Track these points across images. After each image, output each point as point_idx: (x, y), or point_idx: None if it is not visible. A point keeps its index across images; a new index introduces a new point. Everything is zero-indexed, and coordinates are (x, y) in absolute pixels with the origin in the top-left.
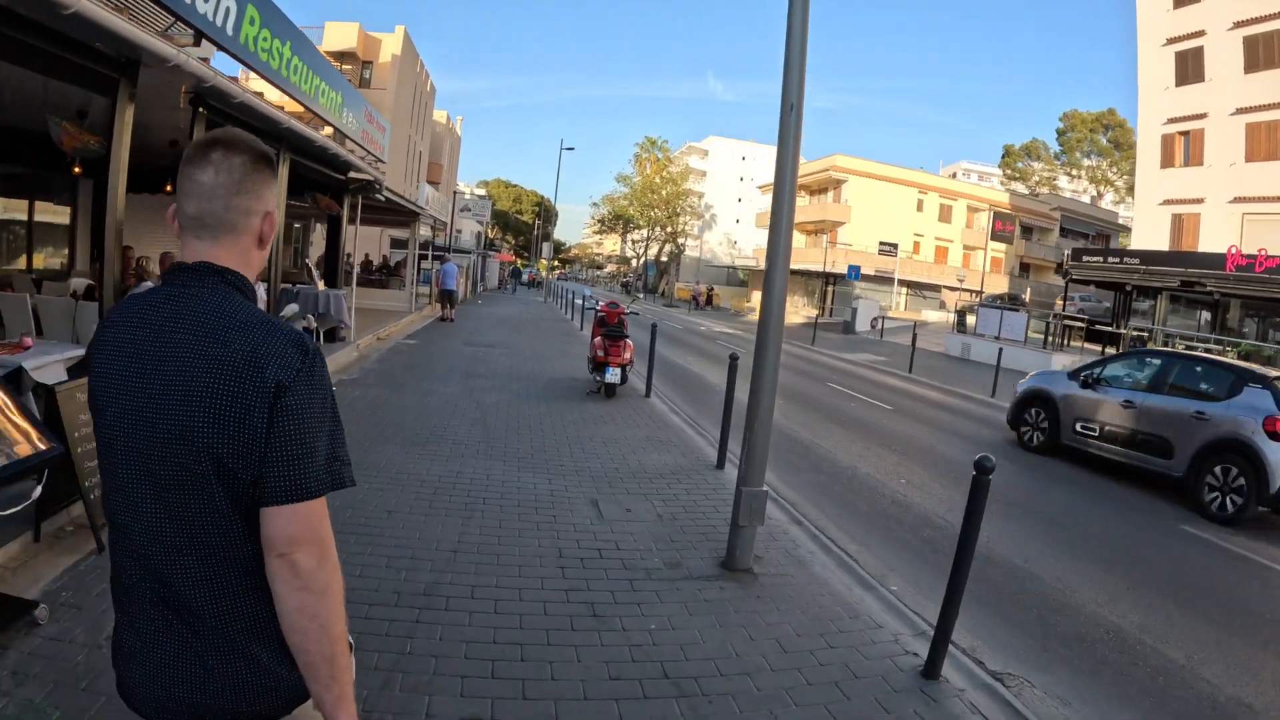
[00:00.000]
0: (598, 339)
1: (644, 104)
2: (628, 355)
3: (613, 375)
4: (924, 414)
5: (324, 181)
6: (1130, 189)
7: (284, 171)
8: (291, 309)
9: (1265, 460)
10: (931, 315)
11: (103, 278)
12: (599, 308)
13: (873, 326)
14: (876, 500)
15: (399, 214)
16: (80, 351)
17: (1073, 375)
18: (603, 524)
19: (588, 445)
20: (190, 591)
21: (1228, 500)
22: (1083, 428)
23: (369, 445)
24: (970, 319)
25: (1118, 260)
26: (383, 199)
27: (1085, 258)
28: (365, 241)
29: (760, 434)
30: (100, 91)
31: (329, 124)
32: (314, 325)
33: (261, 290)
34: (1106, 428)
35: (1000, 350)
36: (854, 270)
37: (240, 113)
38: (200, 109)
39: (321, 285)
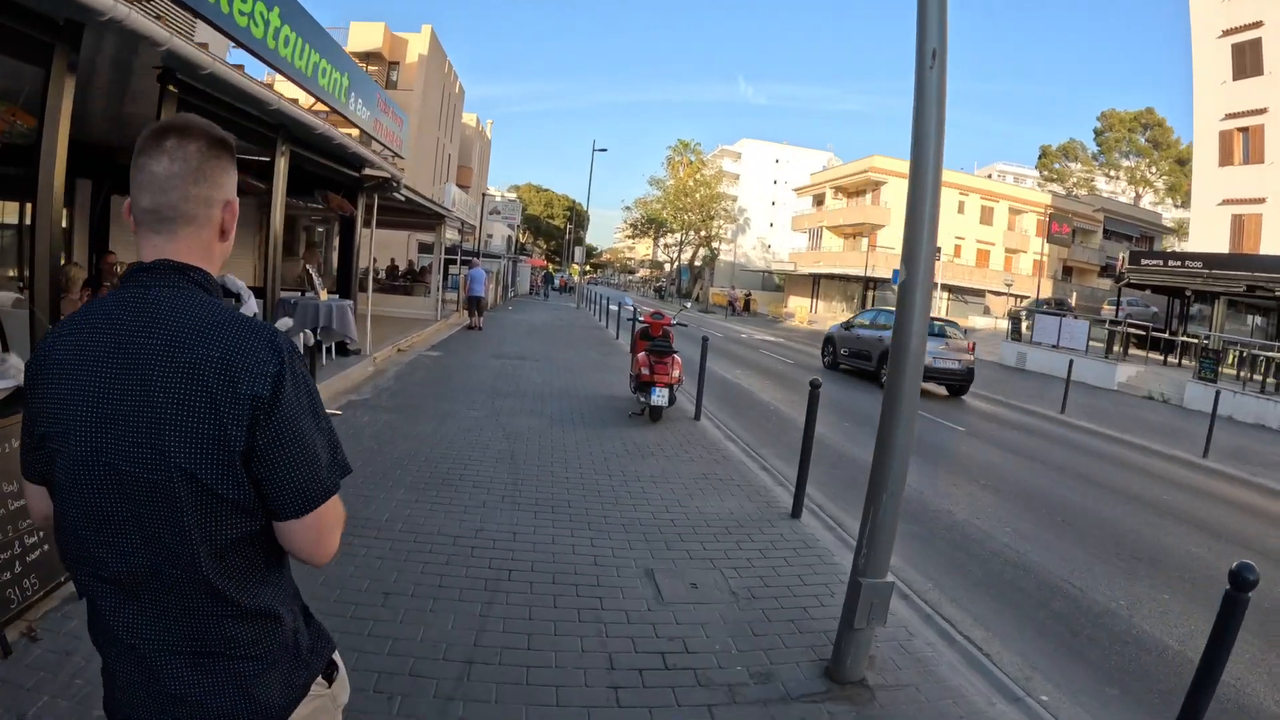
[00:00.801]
0: (641, 354)
1: (675, 108)
2: (676, 374)
3: (659, 397)
4: (1000, 436)
5: (335, 179)
6: (1170, 190)
7: (282, 165)
8: (284, 324)
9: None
10: (979, 321)
11: (33, 288)
12: (642, 318)
13: None
14: (987, 559)
15: (423, 216)
16: (11, 383)
17: (841, 324)
18: (663, 609)
19: (634, 486)
20: (166, 613)
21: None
22: (844, 351)
23: (371, 489)
24: (1023, 325)
25: (1179, 264)
26: (402, 199)
27: (1143, 261)
28: (393, 246)
29: (889, 509)
30: (33, 61)
31: (336, 112)
32: (310, 342)
33: (254, 303)
34: (850, 349)
35: (1071, 362)
36: (899, 275)
37: (212, 87)
38: (170, 86)
39: (324, 295)
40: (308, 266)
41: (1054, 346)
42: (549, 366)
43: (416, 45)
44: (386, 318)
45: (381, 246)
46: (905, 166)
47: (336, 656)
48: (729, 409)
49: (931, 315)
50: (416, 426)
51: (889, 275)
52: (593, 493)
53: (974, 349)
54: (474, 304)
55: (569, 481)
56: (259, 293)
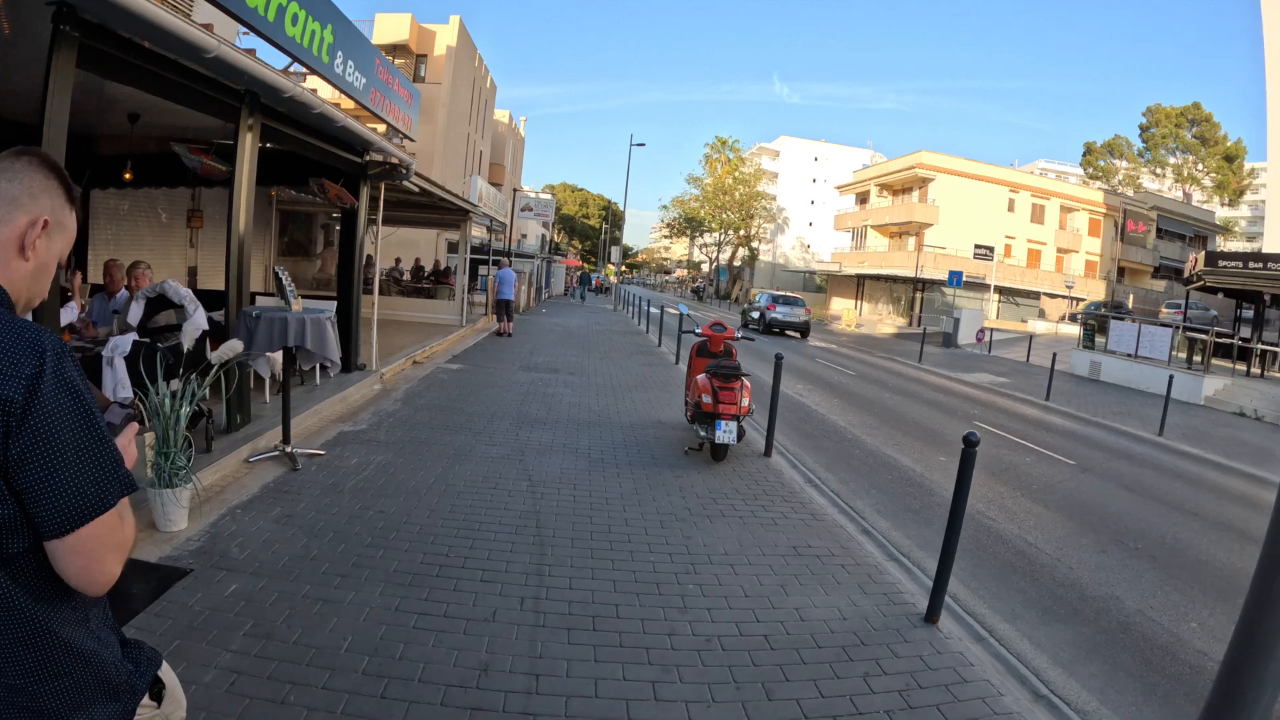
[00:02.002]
0: (701, 377)
1: (710, 108)
2: (746, 402)
3: (726, 433)
4: (1109, 469)
5: (333, 164)
6: (1218, 187)
7: (249, 141)
8: (232, 346)
9: (760, 318)
10: (1039, 326)
11: None
12: (700, 331)
13: (978, 340)
14: (1190, 680)
15: (447, 212)
16: None
17: (749, 303)
18: None
19: (705, 572)
20: None
21: (763, 327)
22: (753, 316)
23: (336, 587)
24: (1096, 331)
25: (1260, 265)
26: (415, 189)
27: (1221, 262)
28: (421, 245)
29: None
30: None
31: (316, 73)
32: (274, 370)
33: (201, 316)
34: (755, 315)
35: (1171, 378)
36: (956, 277)
37: (120, 23)
38: (65, 26)
39: (298, 305)
40: (277, 270)
41: (1130, 356)
42: (585, 382)
43: (445, 37)
44: (406, 323)
45: (408, 246)
46: (954, 163)
47: (164, 670)
48: (799, 435)
49: (786, 292)
50: (416, 473)
51: (940, 276)
52: (648, 587)
53: (809, 311)
54: (502, 308)
55: (615, 566)
56: (221, 299)
